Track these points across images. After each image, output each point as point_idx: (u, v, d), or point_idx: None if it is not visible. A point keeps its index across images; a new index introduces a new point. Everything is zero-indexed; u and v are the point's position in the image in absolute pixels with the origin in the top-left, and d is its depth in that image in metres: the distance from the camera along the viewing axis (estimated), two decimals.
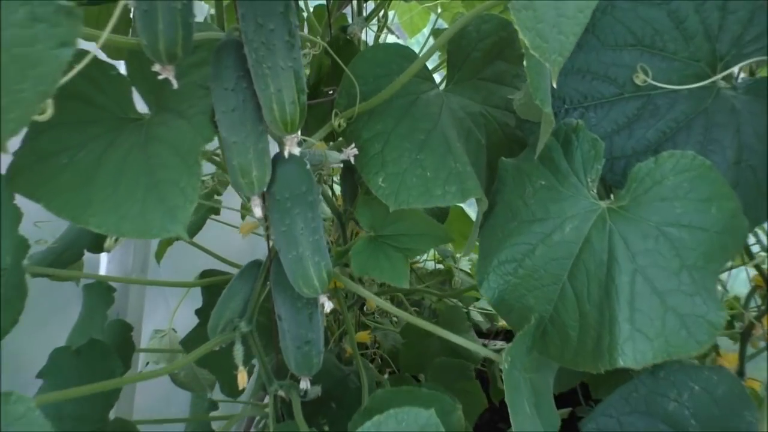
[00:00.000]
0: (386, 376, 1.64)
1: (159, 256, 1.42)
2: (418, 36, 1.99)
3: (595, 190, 0.65)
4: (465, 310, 1.87)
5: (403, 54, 0.76)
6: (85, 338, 1.06)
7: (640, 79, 0.71)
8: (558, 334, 0.66)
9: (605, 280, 0.61)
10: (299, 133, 0.65)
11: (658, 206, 0.61)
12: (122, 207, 0.59)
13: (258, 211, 0.64)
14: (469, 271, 1.84)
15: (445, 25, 1.71)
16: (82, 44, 0.57)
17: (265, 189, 0.63)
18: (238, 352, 0.78)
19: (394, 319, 1.85)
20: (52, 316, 1.24)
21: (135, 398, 1.40)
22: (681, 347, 0.59)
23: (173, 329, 1.46)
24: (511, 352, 0.60)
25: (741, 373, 1.17)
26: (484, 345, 1.96)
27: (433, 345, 1.49)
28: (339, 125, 0.72)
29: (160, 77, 0.58)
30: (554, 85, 0.45)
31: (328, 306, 0.71)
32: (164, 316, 1.49)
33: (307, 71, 1.11)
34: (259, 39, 0.55)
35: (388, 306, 0.77)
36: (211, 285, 1.07)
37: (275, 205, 0.65)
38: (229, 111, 0.60)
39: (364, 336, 1.31)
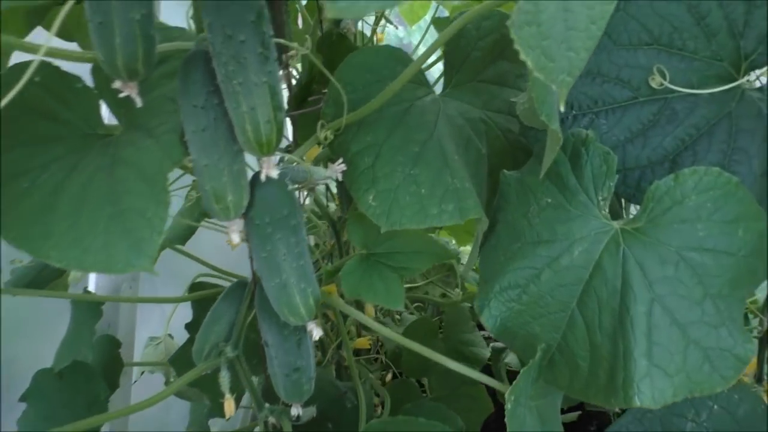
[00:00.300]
0: (390, 376, 1.59)
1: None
2: (420, 22, 1.91)
3: (607, 210, 0.58)
4: (470, 305, 1.81)
5: (396, 57, 0.70)
6: (73, 354, 1.02)
7: (656, 81, 0.64)
8: (566, 363, 0.60)
9: (619, 310, 0.56)
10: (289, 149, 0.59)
11: (679, 229, 0.55)
12: (84, 239, 0.53)
13: (235, 238, 0.58)
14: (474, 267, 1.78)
15: (447, 13, 1.63)
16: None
17: (242, 214, 0.58)
18: (224, 379, 0.73)
19: (397, 317, 1.81)
20: (45, 326, 1.20)
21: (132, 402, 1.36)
22: (704, 384, 0.54)
23: (169, 335, 1.42)
24: (515, 391, 0.55)
25: (759, 379, 1.12)
26: (487, 338, 1.91)
27: (437, 347, 1.44)
28: (325, 137, 0.66)
29: (122, 95, 0.53)
30: (561, 109, 0.38)
31: (317, 333, 0.65)
32: (160, 322, 1.45)
33: (299, 65, 1.04)
34: (228, 52, 0.49)
35: (378, 327, 0.72)
36: (202, 299, 1.02)
37: (254, 231, 0.59)
38: (200, 130, 0.54)
39: (363, 342, 1.26)
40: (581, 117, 0.67)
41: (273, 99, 0.52)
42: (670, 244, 0.55)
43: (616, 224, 0.58)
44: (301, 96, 1.00)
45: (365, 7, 0.28)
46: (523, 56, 0.34)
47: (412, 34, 2.49)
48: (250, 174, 0.59)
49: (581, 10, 0.37)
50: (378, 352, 1.72)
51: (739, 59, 0.66)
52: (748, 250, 0.53)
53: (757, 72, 0.65)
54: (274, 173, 0.54)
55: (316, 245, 1.43)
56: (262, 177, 0.55)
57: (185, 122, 0.54)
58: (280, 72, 1.08)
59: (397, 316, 1.81)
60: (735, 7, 0.65)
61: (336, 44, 1.04)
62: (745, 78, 0.66)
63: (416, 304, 1.80)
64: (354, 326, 1.46)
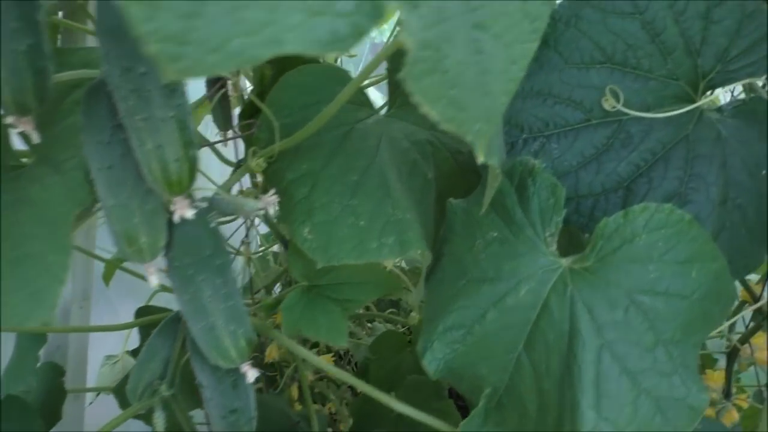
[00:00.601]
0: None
1: (107, 278, 1.32)
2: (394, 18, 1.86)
3: (554, 246, 0.54)
4: None
5: (336, 77, 0.65)
6: (17, 384, 0.97)
7: (609, 103, 0.60)
8: (515, 407, 0.57)
9: (567, 355, 0.52)
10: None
11: (629, 269, 0.51)
12: None
13: (153, 280, 0.53)
14: None
15: None
16: None
17: (160, 255, 0.53)
18: (159, 420, 0.68)
19: (369, 325, 1.77)
20: None
21: (84, 424, 1.31)
22: None
23: (128, 352, 1.36)
24: None
25: (728, 393, 1.09)
26: None
27: (406, 361, 1.40)
28: (257, 165, 0.61)
29: (16, 130, 0.48)
30: (480, 160, 0.34)
31: (252, 375, 0.61)
32: (117, 339, 1.39)
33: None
34: (127, 86, 0.44)
35: (324, 365, 0.67)
36: (150, 324, 0.97)
37: (175, 273, 0.54)
38: (105, 168, 0.49)
39: (326, 360, 1.21)
40: (532, 141, 0.63)
41: (182, 134, 0.47)
42: (620, 285, 0.51)
43: (565, 262, 0.54)
44: (251, 110, 0.95)
45: (215, 65, 0.23)
46: (425, 109, 0.29)
47: (383, 32, 2.43)
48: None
49: (498, 51, 0.32)
50: (350, 362, 1.68)
51: (697, 78, 0.62)
52: (702, 292, 0.49)
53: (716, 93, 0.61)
54: (189, 214, 0.50)
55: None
56: (176, 219, 0.50)
57: (89, 159, 0.49)
58: (229, 82, 1.01)
59: (369, 325, 1.76)
60: (692, 23, 0.61)
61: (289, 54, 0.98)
62: (703, 99, 0.62)
63: (390, 311, 1.77)
64: (302, 366, 1.40)
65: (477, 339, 0.56)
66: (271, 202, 0.60)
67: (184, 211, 0.49)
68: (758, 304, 0.95)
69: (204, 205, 0.54)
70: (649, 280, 0.50)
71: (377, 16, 0.26)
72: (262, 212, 0.61)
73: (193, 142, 0.48)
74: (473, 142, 0.33)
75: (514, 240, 0.55)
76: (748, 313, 1.03)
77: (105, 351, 1.36)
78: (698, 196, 0.59)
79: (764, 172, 0.59)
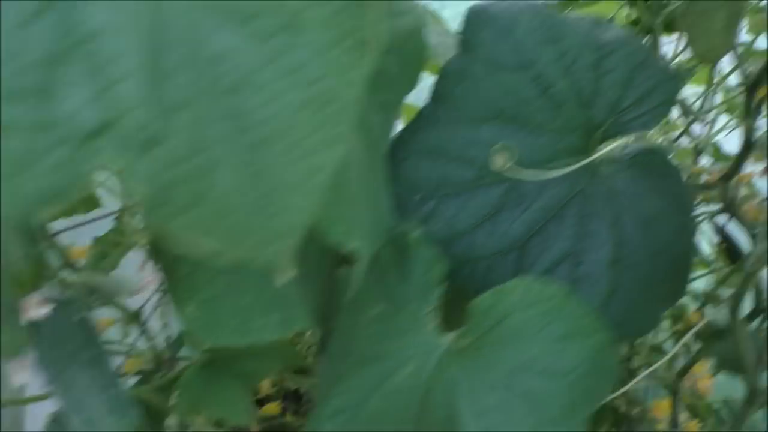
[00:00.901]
0: None
1: None
2: None
3: (434, 323, 0.52)
4: None
5: None
6: None
7: (497, 162, 0.59)
8: None
9: None
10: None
11: (505, 348, 0.48)
12: None
13: (17, 379, 0.51)
14: None
15: None
16: None
17: (23, 353, 0.50)
18: None
19: None
20: None
21: None
22: None
23: None
24: None
25: (675, 423, 1.08)
26: None
27: None
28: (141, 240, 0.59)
29: None
30: (281, 281, 0.32)
31: None
32: None
33: None
34: None
35: None
36: None
37: (43, 368, 0.52)
38: None
39: (272, 408, 1.18)
40: (425, 202, 0.61)
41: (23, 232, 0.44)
42: (498, 366, 0.48)
43: (445, 341, 0.52)
44: None
45: None
46: (193, 246, 0.27)
47: None
48: None
49: (289, 167, 0.30)
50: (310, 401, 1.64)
51: (591, 130, 0.61)
52: (582, 369, 0.47)
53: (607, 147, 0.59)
54: (39, 314, 0.47)
55: None
56: (22, 321, 0.47)
57: None
58: None
59: None
60: (582, 75, 0.60)
61: None
62: (599, 151, 0.61)
63: None
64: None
65: (365, 422, 0.53)
66: (151, 281, 0.57)
67: (33, 312, 0.47)
68: (692, 332, 0.93)
69: (66, 296, 0.51)
70: (527, 359, 0.48)
71: (97, 168, 0.23)
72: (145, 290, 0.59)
73: (37, 240, 0.45)
74: (270, 263, 0.30)
75: (395, 317, 0.53)
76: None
77: (47, 407, 1.32)
78: (590, 256, 0.57)
79: (657, 228, 0.57)
